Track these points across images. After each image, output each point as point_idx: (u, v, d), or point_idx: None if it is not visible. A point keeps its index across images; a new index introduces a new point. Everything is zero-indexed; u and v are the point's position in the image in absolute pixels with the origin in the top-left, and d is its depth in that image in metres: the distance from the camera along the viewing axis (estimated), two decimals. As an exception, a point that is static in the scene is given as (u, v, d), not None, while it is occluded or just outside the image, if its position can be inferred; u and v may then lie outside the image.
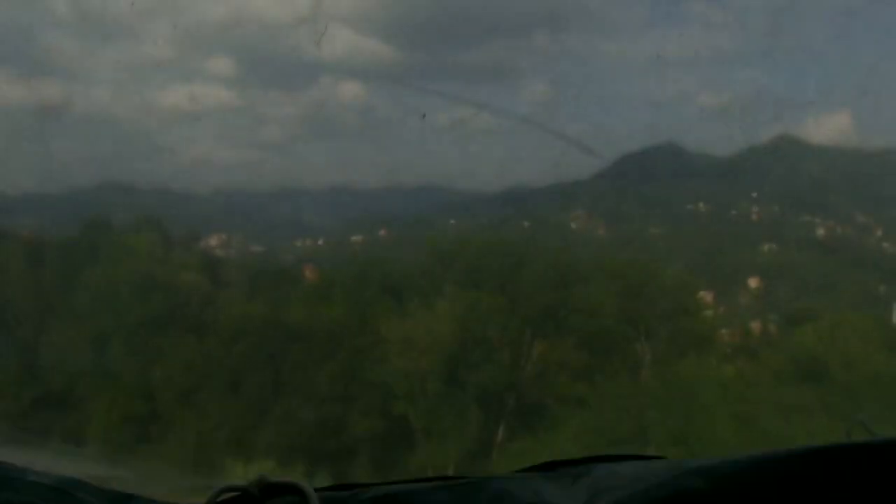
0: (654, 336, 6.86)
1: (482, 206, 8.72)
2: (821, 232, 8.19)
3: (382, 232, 8.76)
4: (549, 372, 6.79)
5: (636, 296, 7.16)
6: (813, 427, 5.32)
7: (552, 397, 6.89)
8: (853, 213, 8.14)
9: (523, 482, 0.73)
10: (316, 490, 0.70)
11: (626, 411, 6.33)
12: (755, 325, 7.31)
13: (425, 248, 8.15)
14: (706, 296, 7.50)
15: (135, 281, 7.30)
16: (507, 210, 8.58)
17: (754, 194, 8.34)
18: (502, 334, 6.82)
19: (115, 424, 6.68)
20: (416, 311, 7.15)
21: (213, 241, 8.45)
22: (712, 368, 6.74)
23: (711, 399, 6.17)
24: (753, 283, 7.76)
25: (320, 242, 8.75)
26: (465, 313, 6.94)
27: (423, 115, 7.91)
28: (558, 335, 6.85)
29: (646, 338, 6.87)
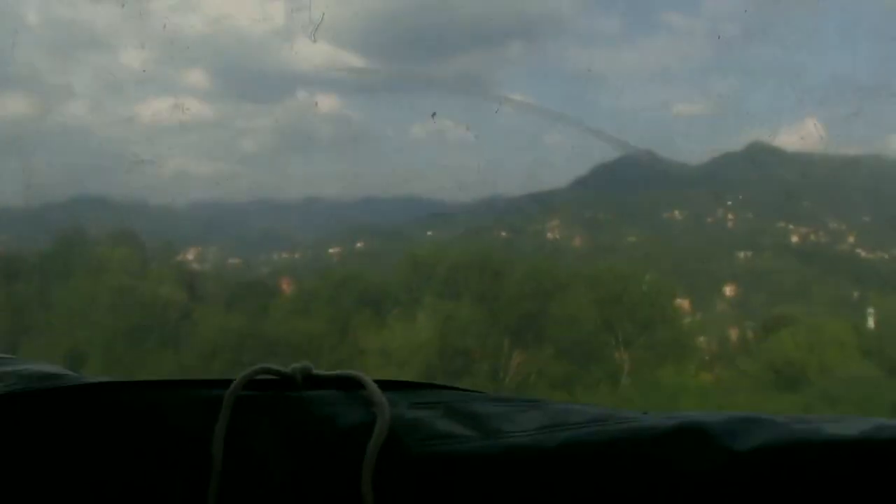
0: (632, 344, 6.87)
1: (460, 216, 8.69)
2: (795, 238, 8.22)
3: (360, 244, 8.70)
4: (529, 382, 6.78)
5: (614, 304, 7.16)
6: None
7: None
8: (826, 219, 8.18)
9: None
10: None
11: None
12: (732, 332, 7.33)
13: (403, 260, 8.12)
14: (683, 303, 7.51)
15: (111, 295, 7.22)
16: (484, 220, 8.57)
17: (729, 202, 8.37)
18: (481, 345, 6.81)
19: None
20: (394, 322, 7.13)
21: (190, 254, 8.36)
22: (691, 376, 6.74)
23: (690, 406, 6.18)
24: (730, 290, 7.78)
25: (297, 255, 8.68)
26: (443, 324, 6.92)
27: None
28: (537, 344, 6.84)
29: (625, 346, 6.88)
